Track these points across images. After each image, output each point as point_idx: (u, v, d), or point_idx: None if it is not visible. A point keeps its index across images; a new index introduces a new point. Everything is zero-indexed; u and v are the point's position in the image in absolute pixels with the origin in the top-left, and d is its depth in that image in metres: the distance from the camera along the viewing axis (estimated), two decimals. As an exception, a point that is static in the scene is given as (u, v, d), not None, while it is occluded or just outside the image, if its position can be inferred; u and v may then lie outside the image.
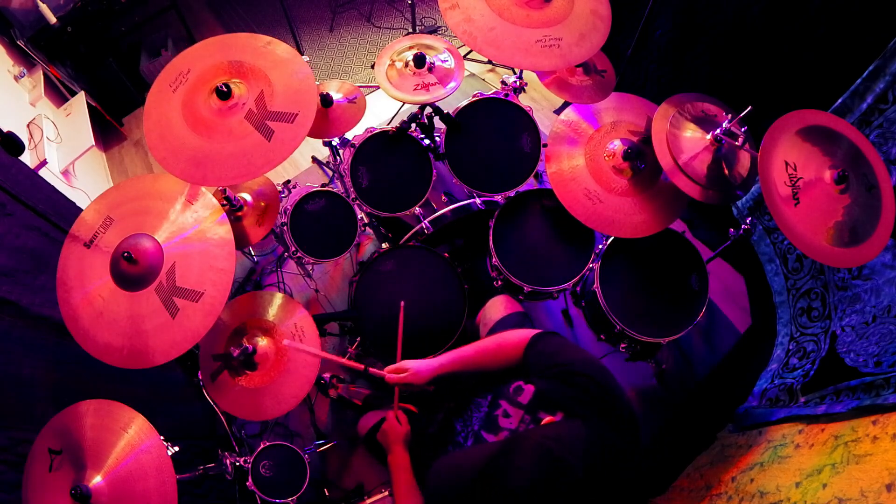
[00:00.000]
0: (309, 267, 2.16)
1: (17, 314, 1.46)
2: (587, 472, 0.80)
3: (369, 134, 1.89)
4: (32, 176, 2.01)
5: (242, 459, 1.55)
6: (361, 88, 2.03)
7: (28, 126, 2.56)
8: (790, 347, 1.82)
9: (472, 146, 1.83)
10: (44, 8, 2.92)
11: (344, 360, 1.31)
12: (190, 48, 1.43)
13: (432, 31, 3.48)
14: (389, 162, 1.90)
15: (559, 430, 0.88)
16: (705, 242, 2.27)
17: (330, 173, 2.81)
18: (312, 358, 1.48)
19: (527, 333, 1.11)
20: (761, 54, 1.85)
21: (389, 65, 1.89)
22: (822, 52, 1.67)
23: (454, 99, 1.86)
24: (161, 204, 1.37)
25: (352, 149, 1.88)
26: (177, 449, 1.28)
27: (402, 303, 1.35)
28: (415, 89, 1.83)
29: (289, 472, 1.56)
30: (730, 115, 1.44)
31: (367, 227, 2.14)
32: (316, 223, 1.92)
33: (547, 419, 0.94)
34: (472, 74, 3.27)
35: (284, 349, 1.50)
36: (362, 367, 1.28)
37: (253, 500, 1.51)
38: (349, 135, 2.02)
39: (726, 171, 1.45)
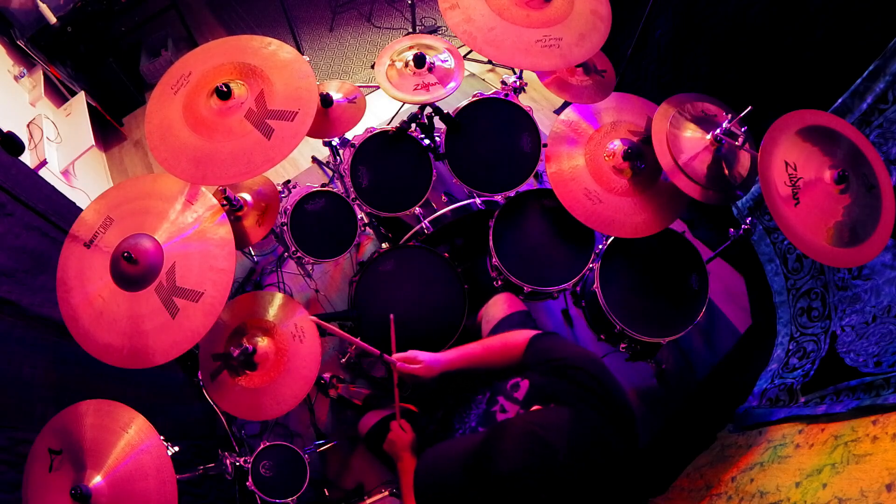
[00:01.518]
0: (309, 267, 2.16)
1: (17, 314, 1.46)
2: (571, 456, 0.79)
3: (369, 134, 1.89)
4: (32, 176, 2.01)
5: (242, 459, 1.55)
6: (361, 88, 2.03)
7: (28, 126, 2.56)
8: (790, 347, 1.82)
9: (472, 146, 1.83)
10: (44, 8, 2.92)
11: (362, 344, 1.31)
12: (191, 52, 1.44)
13: (432, 31, 3.47)
14: (389, 162, 1.90)
15: (546, 416, 0.88)
16: (705, 242, 2.27)
17: (330, 173, 2.81)
18: (319, 349, 1.47)
19: (528, 333, 1.14)
20: (761, 54, 1.85)
21: (389, 65, 1.89)
22: (821, 52, 1.67)
23: (454, 99, 1.86)
24: (161, 204, 1.37)
25: (352, 149, 1.88)
26: (177, 449, 1.28)
27: (392, 315, 1.37)
28: (415, 89, 1.83)
29: (289, 472, 1.56)
30: (730, 115, 1.44)
31: (367, 227, 2.14)
32: (316, 223, 1.92)
33: (536, 408, 0.95)
34: (472, 74, 3.27)
35: (284, 349, 1.50)
36: (378, 352, 1.28)
37: (253, 500, 1.51)
38: (349, 135, 2.02)
39: (726, 171, 1.45)
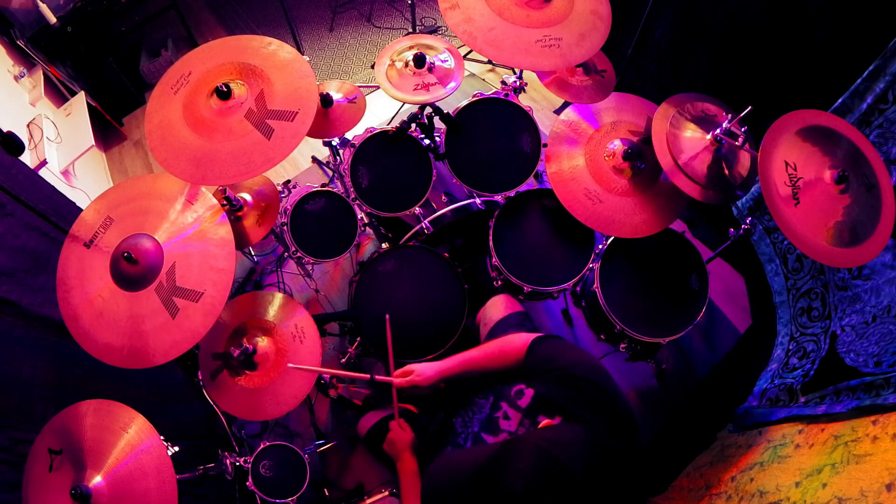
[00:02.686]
0: (309, 267, 2.16)
1: (17, 314, 1.46)
2: (586, 475, 0.80)
3: (369, 134, 1.89)
4: (32, 176, 2.01)
5: (242, 459, 1.55)
6: (361, 88, 2.03)
7: (28, 126, 2.56)
8: (790, 347, 1.82)
9: (472, 146, 1.83)
10: (44, 8, 2.92)
11: (349, 373, 1.32)
12: (191, 52, 1.44)
13: (432, 31, 3.47)
14: (389, 162, 1.90)
15: (558, 434, 0.88)
16: (705, 242, 2.27)
17: (330, 173, 2.81)
18: (319, 349, 1.48)
19: (528, 337, 1.12)
20: (761, 54, 1.85)
21: (389, 65, 1.89)
22: (821, 52, 1.67)
23: (454, 99, 1.86)
24: (161, 204, 1.37)
25: (352, 149, 1.88)
26: (177, 449, 1.28)
27: (388, 315, 1.37)
28: (415, 89, 1.83)
29: (289, 472, 1.56)
30: (730, 115, 1.44)
31: (367, 227, 2.14)
32: (316, 223, 1.92)
33: (545, 422, 0.94)
34: (472, 74, 3.27)
35: (284, 349, 1.50)
36: (368, 376, 1.28)
37: (253, 500, 1.51)
38: (349, 135, 2.02)
39: (726, 171, 1.45)
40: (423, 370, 1.23)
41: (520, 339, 1.13)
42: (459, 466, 0.97)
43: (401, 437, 1.26)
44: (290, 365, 1.43)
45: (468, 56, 3.01)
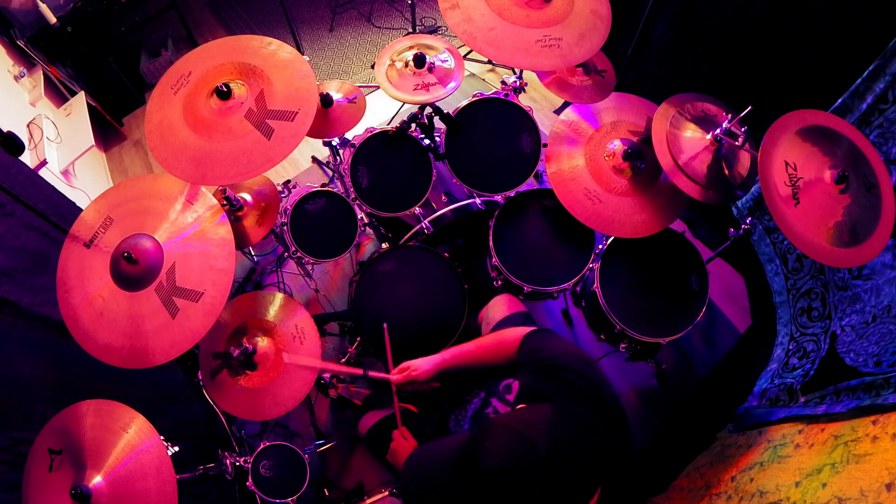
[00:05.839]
0: (309, 267, 2.16)
1: (17, 314, 1.46)
2: (552, 450, 0.79)
3: (369, 134, 1.89)
4: (32, 176, 2.01)
5: (242, 459, 1.55)
6: (361, 88, 2.03)
7: (28, 126, 2.56)
8: (790, 347, 1.82)
9: (472, 146, 1.83)
10: (44, 8, 2.93)
11: (343, 368, 1.32)
12: (191, 52, 1.44)
13: (432, 31, 3.47)
14: (389, 162, 1.90)
15: (527, 414, 0.88)
16: (705, 242, 2.27)
17: (330, 173, 2.81)
18: (313, 368, 1.48)
19: (522, 330, 1.13)
20: (761, 54, 1.85)
21: (389, 65, 1.89)
22: (821, 52, 1.67)
23: (454, 99, 1.86)
24: (161, 204, 1.37)
25: (352, 149, 1.88)
26: (177, 449, 1.28)
27: (385, 325, 1.38)
28: (415, 89, 1.83)
29: (289, 472, 1.56)
30: (730, 115, 1.44)
31: (367, 227, 2.14)
32: (316, 223, 1.92)
33: (520, 407, 0.95)
34: (472, 74, 3.27)
35: (284, 350, 1.49)
36: (361, 371, 1.28)
37: (253, 500, 1.51)
38: (349, 135, 2.02)
39: (726, 171, 1.45)
40: (420, 364, 1.24)
41: (515, 333, 1.14)
42: (437, 452, 0.98)
43: (403, 446, 1.27)
44: (286, 357, 1.43)
45: (468, 56, 3.01)
